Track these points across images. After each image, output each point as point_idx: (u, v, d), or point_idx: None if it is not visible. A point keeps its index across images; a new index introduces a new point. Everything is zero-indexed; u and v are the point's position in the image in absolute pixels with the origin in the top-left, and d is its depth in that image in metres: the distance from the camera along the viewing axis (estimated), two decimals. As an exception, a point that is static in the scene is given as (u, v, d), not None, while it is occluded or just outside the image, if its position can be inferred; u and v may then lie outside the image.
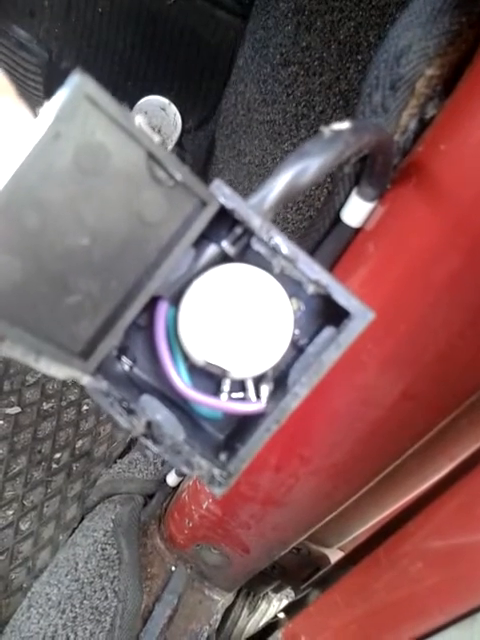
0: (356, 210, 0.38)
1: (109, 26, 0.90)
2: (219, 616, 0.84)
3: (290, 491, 0.53)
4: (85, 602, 0.77)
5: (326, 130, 0.26)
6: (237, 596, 0.90)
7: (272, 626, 0.69)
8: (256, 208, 0.23)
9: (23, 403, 1.07)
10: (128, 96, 0.95)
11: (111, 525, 0.84)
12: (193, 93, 0.95)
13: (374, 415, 0.42)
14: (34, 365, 0.21)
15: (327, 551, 0.75)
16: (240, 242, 0.24)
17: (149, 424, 0.24)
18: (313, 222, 0.43)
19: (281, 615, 0.68)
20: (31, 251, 0.19)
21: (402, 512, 0.46)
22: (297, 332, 0.25)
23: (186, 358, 0.25)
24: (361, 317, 0.23)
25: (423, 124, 0.35)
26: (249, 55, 0.83)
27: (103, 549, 0.82)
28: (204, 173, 1.01)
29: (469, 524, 0.37)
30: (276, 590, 0.92)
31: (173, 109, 0.96)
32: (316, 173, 0.24)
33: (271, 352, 0.24)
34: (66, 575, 0.81)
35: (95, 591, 0.78)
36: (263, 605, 0.93)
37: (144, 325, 0.25)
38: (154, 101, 0.96)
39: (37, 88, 0.98)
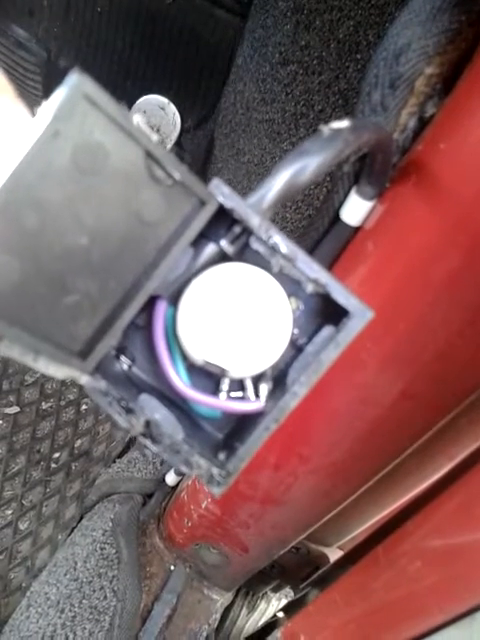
0: (355, 209, 0.38)
1: (108, 25, 0.90)
2: (218, 615, 0.84)
3: (289, 490, 0.53)
4: (84, 601, 0.77)
5: (325, 129, 0.26)
6: (236, 595, 0.90)
7: (271, 625, 0.69)
8: (255, 207, 0.23)
9: (22, 402, 1.07)
10: (127, 95, 0.95)
11: (110, 524, 0.84)
12: (192, 92, 0.95)
13: (373, 414, 0.42)
14: (32, 365, 0.21)
15: (326, 550, 0.75)
16: (239, 241, 0.24)
17: (148, 423, 0.24)
18: (312, 221, 0.43)
19: (280, 614, 0.68)
20: (29, 251, 0.19)
21: (401, 511, 0.46)
22: (296, 331, 0.25)
23: (185, 357, 0.25)
24: (360, 316, 0.23)
25: (422, 123, 0.35)
26: (248, 54, 0.83)
27: (102, 548, 0.82)
28: (203, 172, 1.01)
29: (468, 523, 0.37)
30: (275, 589, 0.92)
31: (172, 108, 0.96)
32: (315, 172, 0.24)
33: (270, 351, 0.24)
34: (65, 574, 0.81)
35: (94, 590, 0.78)
36: (262, 604, 0.93)
37: (143, 324, 0.25)
38: (153, 100, 0.95)
39: (36, 87, 0.98)
